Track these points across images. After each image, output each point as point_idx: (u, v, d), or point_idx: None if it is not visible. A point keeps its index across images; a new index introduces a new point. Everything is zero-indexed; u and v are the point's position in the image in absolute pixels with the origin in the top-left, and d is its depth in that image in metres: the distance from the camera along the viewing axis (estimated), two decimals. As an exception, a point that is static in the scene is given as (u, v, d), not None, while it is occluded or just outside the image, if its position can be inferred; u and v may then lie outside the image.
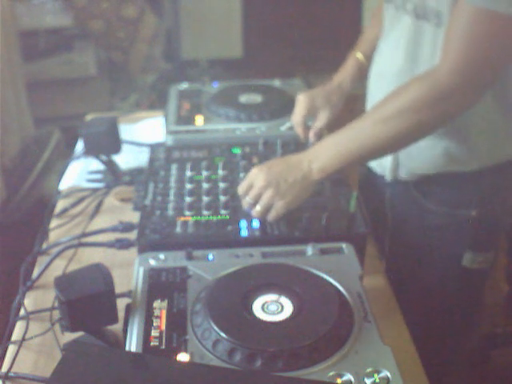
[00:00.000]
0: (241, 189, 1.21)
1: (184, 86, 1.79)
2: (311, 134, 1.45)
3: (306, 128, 1.46)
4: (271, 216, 1.17)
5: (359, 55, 1.47)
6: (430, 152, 1.24)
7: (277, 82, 1.79)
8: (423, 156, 1.25)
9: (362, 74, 1.47)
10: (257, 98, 1.66)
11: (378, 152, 1.20)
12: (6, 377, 0.99)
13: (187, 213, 1.21)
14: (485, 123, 1.19)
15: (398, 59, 1.27)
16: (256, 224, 1.18)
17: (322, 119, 1.45)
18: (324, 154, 1.16)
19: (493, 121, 1.20)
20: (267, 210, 1.17)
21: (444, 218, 1.28)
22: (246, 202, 1.19)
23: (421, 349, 1.07)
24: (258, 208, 1.17)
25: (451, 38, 1.07)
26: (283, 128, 1.52)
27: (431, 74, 1.10)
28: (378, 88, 1.35)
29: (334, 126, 1.43)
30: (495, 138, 1.22)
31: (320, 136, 1.45)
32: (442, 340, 1.36)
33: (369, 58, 1.45)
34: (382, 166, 1.37)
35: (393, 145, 1.16)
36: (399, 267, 1.37)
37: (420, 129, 1.13)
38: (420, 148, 1.22)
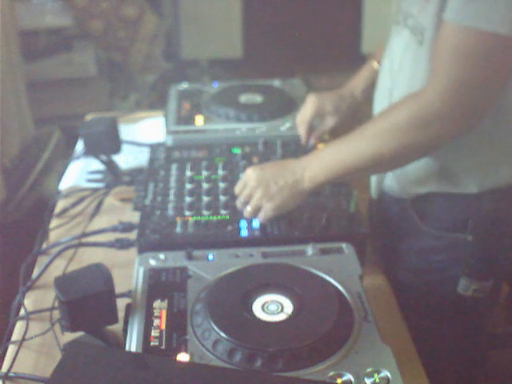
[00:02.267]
0: (236, 189, 1.21)
1: (184, 85, 1.79)
2: (314, 136, 1.45)
3: (309, 129, 1.45)
4: (260, 217, 1.17)
5: (375, 64, 1.44)
6: (424, 170, 1.20)
7: (277, 82, 1.79)
8: (417, 173, 1.22)
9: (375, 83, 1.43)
10: (257, 98, 1.66)
11: (367, 169, 1.17)
12: (6, 377, 0.99)
13: (187, 213, 1.21)
14: (481, 145, 1.15)
15: (388, 75, 1.26)
16: (256, 224, 1.18)
17: (327, 124, 1.45)
18: (316, 164, 1.15)
19: (489, 143, 1.15)
20: (257, 211, 1.17)
21: (439, 241, 1.24)
22: (239, 201, 1.20)
23: (421, 349, 1.07)
24: (248, 208, 1.17)
25: (439, 59, 1.04)
26: (283, 128, 1.52)
27: (420, 95, 1.07)
28: (379, 100, 1.34)
29: (336, 131, 1.43)
30: (492, 161, 1.18)
31: (320, 139, 1.45)
32: (441, 340, 1.36)
33: None
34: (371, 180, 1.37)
35: (379, 164, 1.13)
36: (396, 280, 1.34)
37: (407, 150, 1.10)
38: (414, 165, 1.19)
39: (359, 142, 1.13)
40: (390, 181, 1.30)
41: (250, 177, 1.18)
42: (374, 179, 1.36)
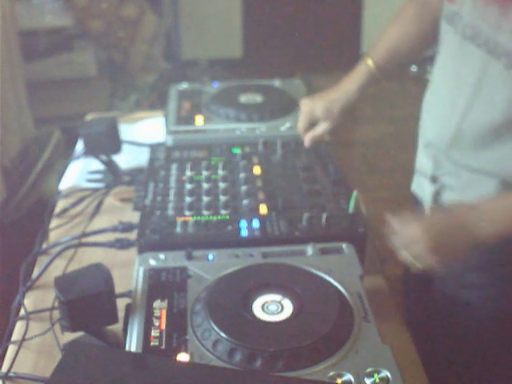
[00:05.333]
0: (398, 239, 1.07)
1: (184, 86, 1.79)
2: (306, 139, 1.41)
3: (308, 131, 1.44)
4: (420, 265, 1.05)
5: (370, 62, 1.36)
6: None
7: (277, 82, 1.78)
8: None
9: (372, 81, 1.38)
10: (257, 98, 1.66)
11: None
12: (6, 377, 0.99)
13: (187, 213, 1.21)
14: None
15: (459, 95, 1.15)
16: (256, 224, 1.18)
17: (320, 129, 1.40)
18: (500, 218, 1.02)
19: None
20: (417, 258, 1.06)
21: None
22: (397, 242, 1.06)
23: (421, 349, 1.07)
24: (405, 254, 1.06)
25: None
26: (283, 128, 1.52)
27: None
28: (431, 116, 1.27)
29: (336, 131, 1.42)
30: None
31: (317, 142, 1.42)
32: (442, 340, 1.36)
33: (383, 66, 1.36)
34: (423, 190, 1.30)
35: None
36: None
37: None
38: None
39: None
40: None
41: (418, 237, 1.03)
42: (428, 191, 1.27)
